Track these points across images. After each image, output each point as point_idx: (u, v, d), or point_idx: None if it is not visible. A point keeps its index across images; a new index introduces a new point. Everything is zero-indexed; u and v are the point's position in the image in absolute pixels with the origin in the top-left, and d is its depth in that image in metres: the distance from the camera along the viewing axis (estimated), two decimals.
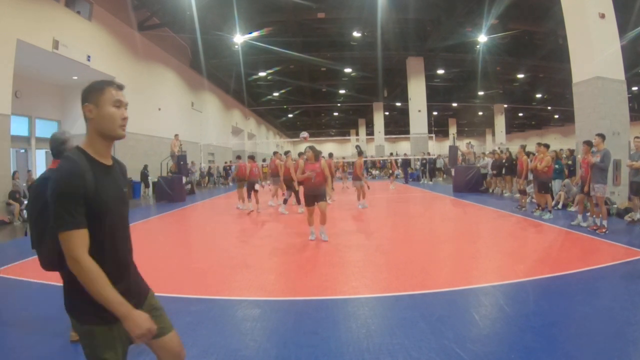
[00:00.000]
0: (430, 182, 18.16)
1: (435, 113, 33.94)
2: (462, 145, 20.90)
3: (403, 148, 36.56)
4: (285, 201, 9.69)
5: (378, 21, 15.45)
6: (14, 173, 9.75)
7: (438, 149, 28.51)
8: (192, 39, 18.01)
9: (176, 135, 14.29)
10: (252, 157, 9.77)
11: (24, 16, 9.30)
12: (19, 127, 11.44)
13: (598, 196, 6.08)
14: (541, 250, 5.29)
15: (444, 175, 19.98)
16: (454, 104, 32.12)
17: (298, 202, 9.81)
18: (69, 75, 12.29)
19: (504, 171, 11.70)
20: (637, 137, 6.81)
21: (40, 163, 12.34)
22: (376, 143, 30.23)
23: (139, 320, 1.27)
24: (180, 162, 13.52)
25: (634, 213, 6.96)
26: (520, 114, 38.75)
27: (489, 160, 13.27)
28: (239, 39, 16.44)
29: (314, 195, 5.85)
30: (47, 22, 10.07)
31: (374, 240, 6.09)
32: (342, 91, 28.97)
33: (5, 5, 8.82)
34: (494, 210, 9.01)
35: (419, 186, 17.03)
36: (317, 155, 6.10)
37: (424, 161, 19.08)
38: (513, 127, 43.87)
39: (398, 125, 38.19)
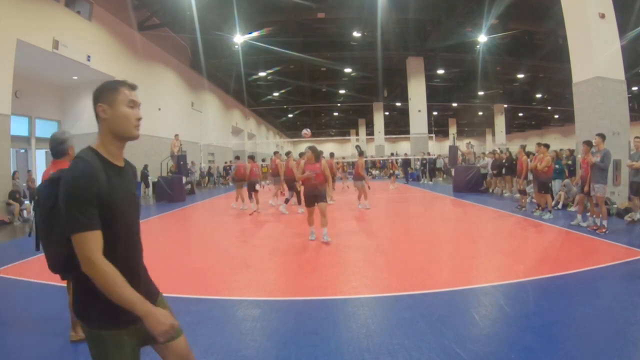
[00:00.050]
0: (430, 182, 18.14)
1: (435, 113, 33.90)
2: (462, 145, 20.92)
3: (403, 148, 36.56)
4: (286, 201, 9.70)
5: (378, 21, 15.44)
6: (14, 173, 9.76)
7: (438, 149, 28.47)
8: (192, 39, 17.99)
9: (176, 135, 14.30)
10: (252, 157, 9.77)
11: (24, 16, 9.30)
12: (19, 127, 11.44)
13: (598, 196, 6.09)
14: (541, 250, 5.29)
15: (444, 175, 19.97)
16: (454, 104, 32.10)
17: (299, 202, 9.83)
18: (69, 75, 12.28)
19: (504, 171, 11.69)
20: (637, 137, 6.82)
21: (40, 163, 12.33)
22: (376, 143, 30.21)
23: (161, 317, 1.24)
24: (180, 162, 13.53)
25: (634, 213, 6.97)
26: (520, 114, 38.73)
27: (489, 160, 13.26)
28: (239, 39, 16.43)
29: (314, 196, 5.83)
30: (47, 22, 10.06)
31: (374, 240, 6.08)
32: (342, 91, 28.93)
33: (5, 5, 8.82)
34: (494, 210, 9.01)
35: (419, 186, 17.03)
36: (317, 155, 6.06)
37: (424, 161, 19.07)
38: (513, 127, 43.85)
39: (398, 125, 38.17)
